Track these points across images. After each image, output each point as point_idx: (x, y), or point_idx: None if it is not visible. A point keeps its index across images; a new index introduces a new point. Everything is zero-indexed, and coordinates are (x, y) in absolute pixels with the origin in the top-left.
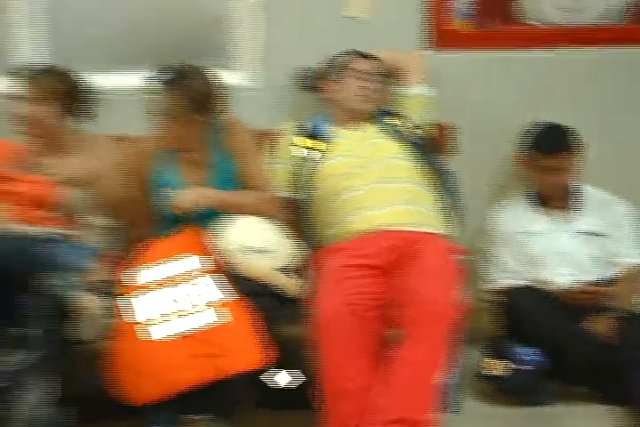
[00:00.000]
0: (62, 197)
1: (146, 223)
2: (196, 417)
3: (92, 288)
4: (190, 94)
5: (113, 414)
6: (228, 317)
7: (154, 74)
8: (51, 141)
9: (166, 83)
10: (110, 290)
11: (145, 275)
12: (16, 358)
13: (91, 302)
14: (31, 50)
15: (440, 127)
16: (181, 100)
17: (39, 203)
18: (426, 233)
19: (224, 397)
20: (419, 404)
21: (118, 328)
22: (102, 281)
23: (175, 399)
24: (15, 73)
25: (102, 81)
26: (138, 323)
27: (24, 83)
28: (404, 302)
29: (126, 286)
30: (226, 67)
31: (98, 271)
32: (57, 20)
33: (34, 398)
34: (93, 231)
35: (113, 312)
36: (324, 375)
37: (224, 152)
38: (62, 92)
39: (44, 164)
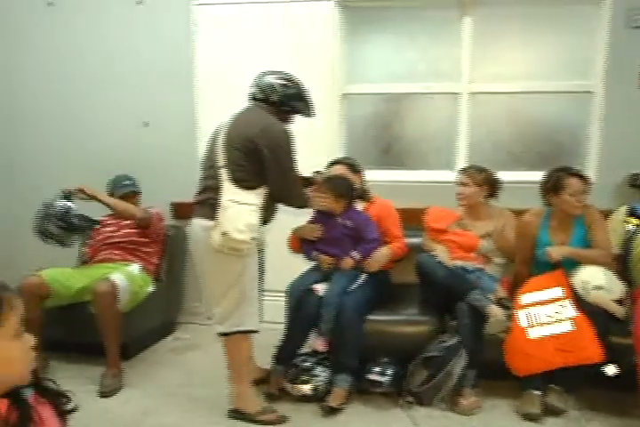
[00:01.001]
0: (479, 244)
1: (529, 264)
2: (552, 386)
3: (497, 302)
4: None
5: (506, 377)
6: (578, 327)
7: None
8: (473, 211)
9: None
10: (507, 304)
11: (526, 298)
12: (451, 340)
13: (496, 311)
14: (464, 155)
15: None
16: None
17: (466, 248)
18: None
19: (572, 377)
20: None
21: (511, 329)
22: (502, 298)
23: (542, 374)
24: (461, 169)
25: (504, 176)
26: (522, 327)
27: (465, 175)
28: None
29: (515, 303)
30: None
31: (500, 291)
32: (476, 134)
33: (460, 364)
34: (496, 266)
35: (509, 318)
36: None
37: (582, 223)
38: (484, 182)
39: (470, 224)
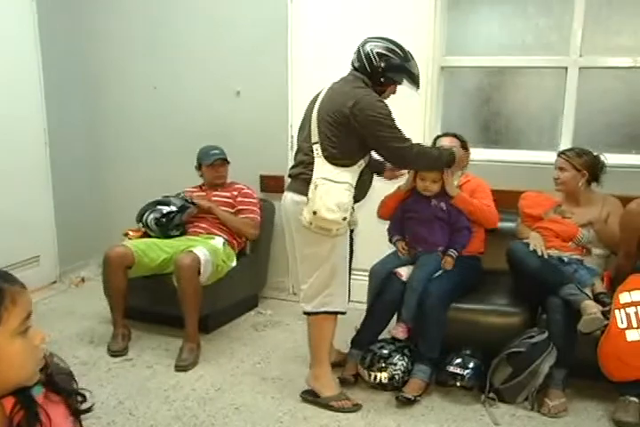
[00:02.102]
0: (578, 234)
1: (633, 258)
2: None
3: (594, 298)
4: None
5: (601, 379)
6: None
7: None
8: (572, 197)
9: None
10: (606, 300)
11: (626, 296)
12: (540, 336)
13: (592, 307)
14: (569, 135)
15: None
16: None
17: (564, 237)
18: None
19: None
20: None
21: (608, 328)
22: (601, 294)
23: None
24: (560, 152)
25: (617, 159)
26: (620, 328)
27: (562, 158)
28: None
29: (614, 301)
30: None
31: (598, 286)
32: (584, 112)
33: (548, 362)
34: (596, 258)
35: (606, 316)
36: None
37: None
38: (584, 167)
39: (568, 211)
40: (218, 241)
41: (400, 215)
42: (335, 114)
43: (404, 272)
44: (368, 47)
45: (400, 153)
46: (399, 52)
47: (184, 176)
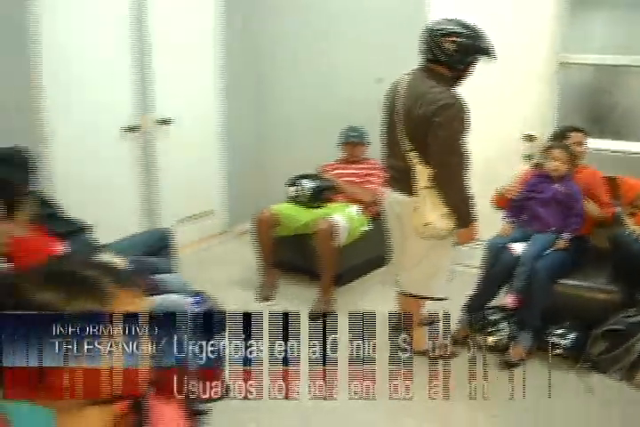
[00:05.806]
0: None
1: None
2: None
3: None
4: None
5: None
6: None
7: None
8: None
9: None
10: None
11: None
12: (637, 316)
13: None
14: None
15: None
16: None
17: None
18: None
19: None
20: None
21: None
22: None
23: None
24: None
25: None
26: None
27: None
28: None
29: None
30: None
31: None
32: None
33: None
34: None
35: None
36: None
37: None
38: None
39: None
40: (352, 209)
41: (523, 195)
42: (424, 119)
43: (518, 247)
44: (434, 36)
45: (453, 174)
46: (468, 32)
47: None
